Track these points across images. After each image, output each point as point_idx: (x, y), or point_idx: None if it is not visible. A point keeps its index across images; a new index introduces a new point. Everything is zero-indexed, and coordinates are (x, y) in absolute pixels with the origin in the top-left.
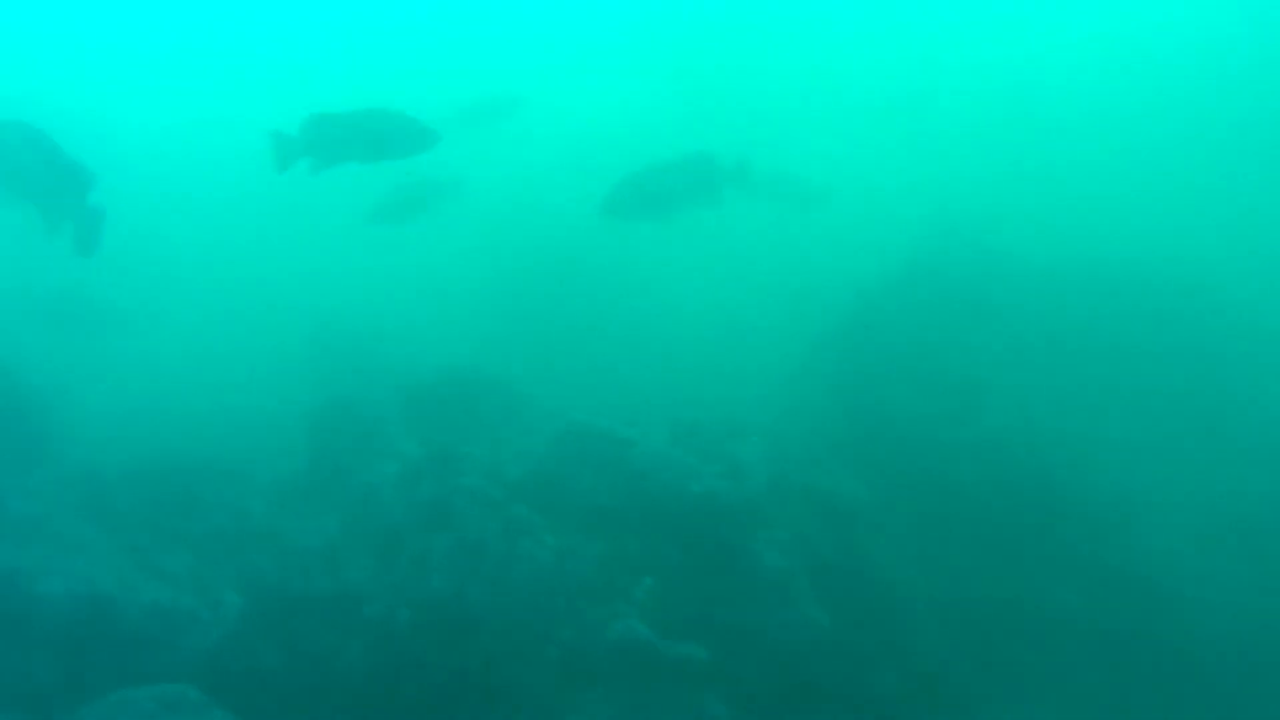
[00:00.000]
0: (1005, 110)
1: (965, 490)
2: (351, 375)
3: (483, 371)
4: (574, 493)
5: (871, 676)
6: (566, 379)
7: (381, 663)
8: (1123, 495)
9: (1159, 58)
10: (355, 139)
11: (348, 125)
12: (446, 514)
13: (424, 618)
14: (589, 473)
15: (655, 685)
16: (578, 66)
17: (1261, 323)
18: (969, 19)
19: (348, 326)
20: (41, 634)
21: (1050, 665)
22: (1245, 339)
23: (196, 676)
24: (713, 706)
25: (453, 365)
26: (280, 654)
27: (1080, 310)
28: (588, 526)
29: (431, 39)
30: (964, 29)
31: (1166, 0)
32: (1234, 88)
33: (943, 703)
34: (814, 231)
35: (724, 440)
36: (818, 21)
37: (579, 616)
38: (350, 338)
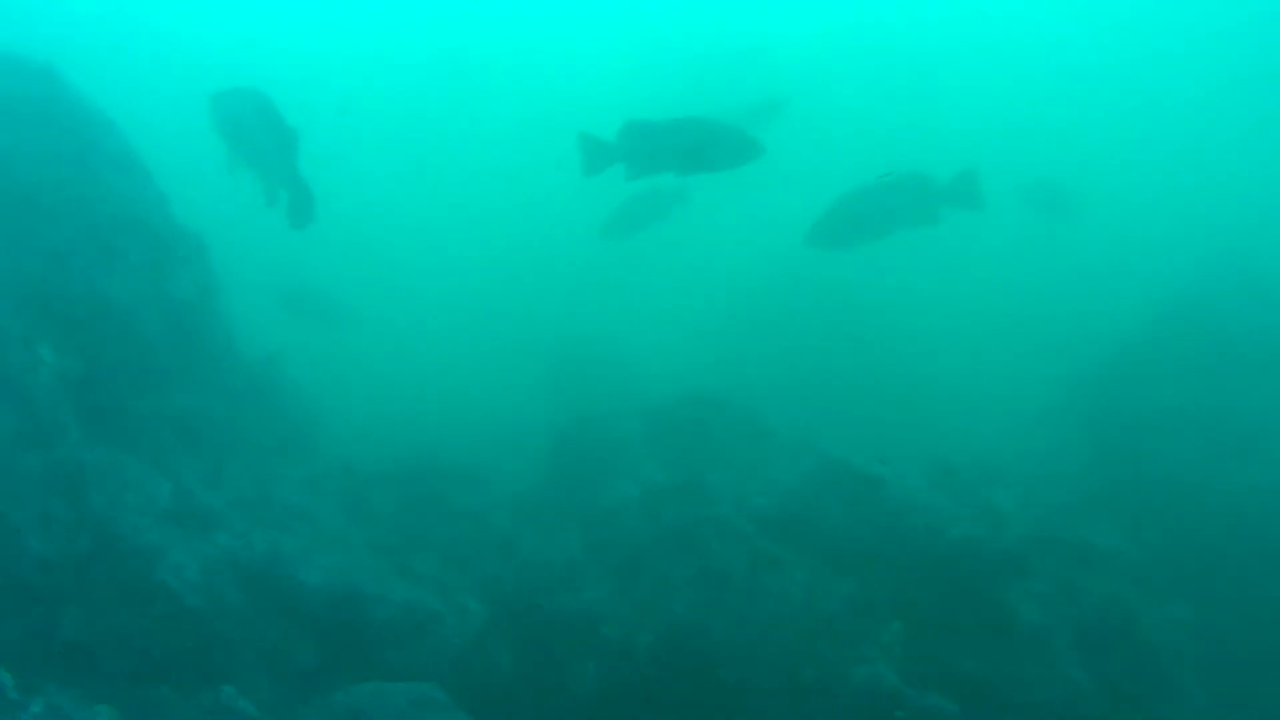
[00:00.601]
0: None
1: (1238, 547)
2: (593, 391)
3: (725, 395)
4: (824, 529)
5: None
6: (809, 405)
7: (617, 685)
8: None
9: None
10: (675, 148)
11: (668, 133)
12: (691, 541)
13: (663, 644)
14: (840, 509)
15: None
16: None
17: None
18: None
19: (588, 341)
20: (301, 618)
21: None
22: None
23: (440, 678)
24: None
25: (696, 388)
26: (520, 665)
27: None
28: (837, 564)
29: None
30: None
31: None
32: None
33: None
34: (1067, 253)
35: (980, 485)
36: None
37: (823, 657)
38: (590, 352)
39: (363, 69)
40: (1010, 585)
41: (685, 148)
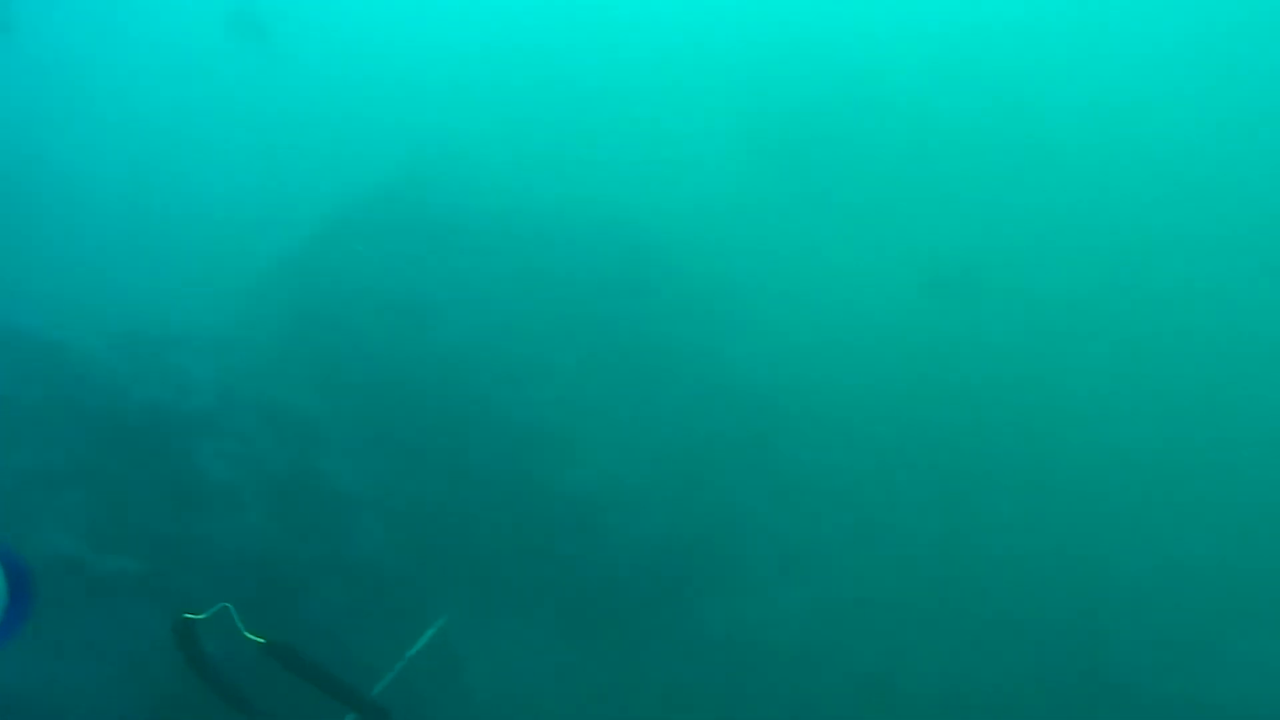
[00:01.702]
0: None
1: (416, 405)
2: None
3: None
4: None
5: (320, 584)
6: None
7: None
8: (565, 415)
9: None
10: None
11: None
12: None
13: None
14: (10, 379)
15: (86, 600)
16: None
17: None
18: None
19: None
20: None
21: (486, 564)
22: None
23: None
24: (149, 619)
25: None
26: None
27: (536, 245)
28: (7, 437)
29: None
30: None
31: None
32: None
33: (389, 609)
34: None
35: (168, 349)
36: None
37: None
38: None
39: None
40: (199, 446)
41: None
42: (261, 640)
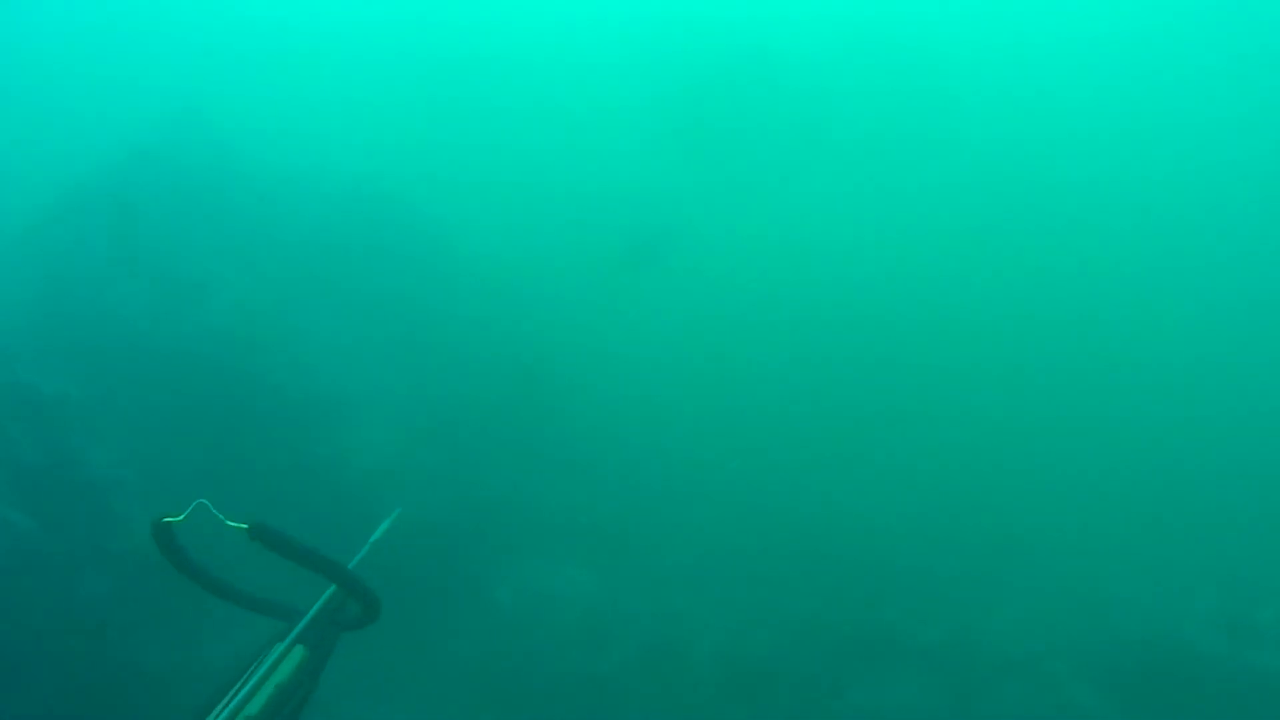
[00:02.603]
0: None
1: (185, 384)
2: None
3: None
4: None
5: (80, 578)
6: None
7: None
8: (343, 389)
9: None
10: None
11: None
12: None
13: None
14: None
15: None
16: None
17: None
18: None
19: None
20: None
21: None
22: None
23: None
24: None
25: None
26: None
27: (309, 218)
28: None
29: None
30: None
31: None
32: None
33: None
34: None
35: None
36: None
37: None
38: None
39: None
40: None
41: None
42: (244, 526)
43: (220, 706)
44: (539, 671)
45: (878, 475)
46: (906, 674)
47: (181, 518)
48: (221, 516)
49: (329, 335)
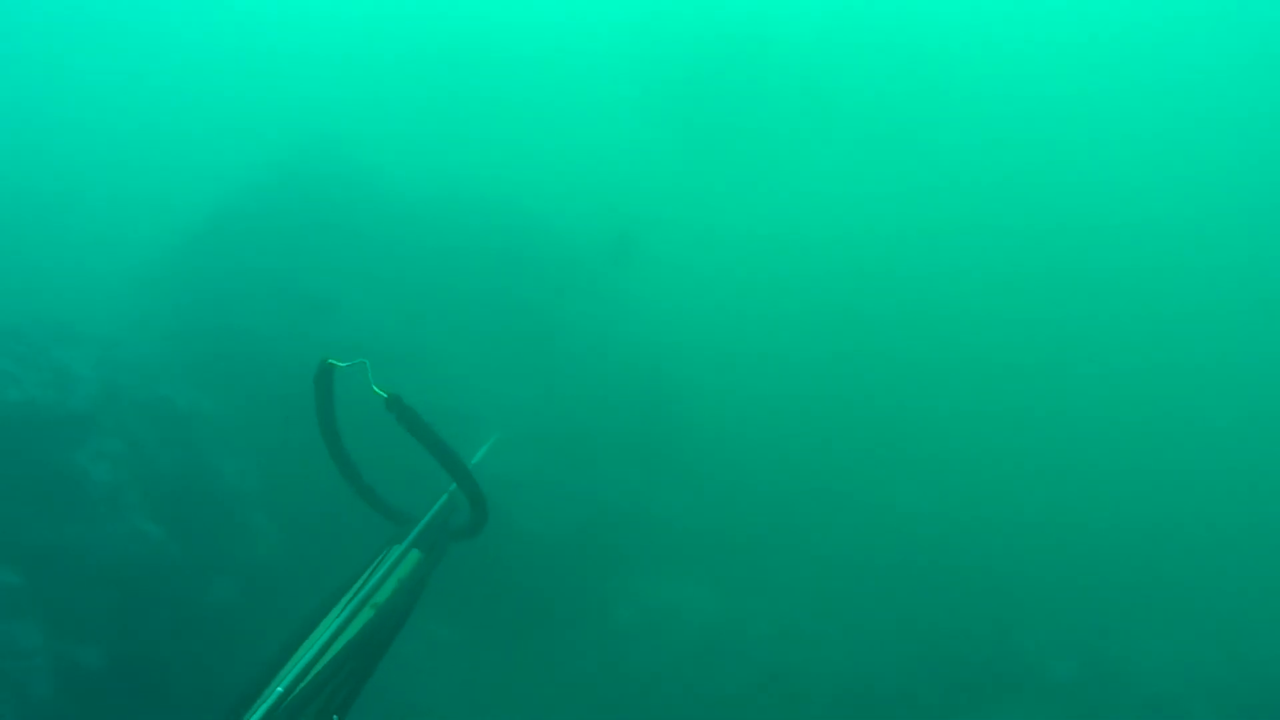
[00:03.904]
0: None
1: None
2: None
3: None
4: None
5: (209, 586)
6: None
7: None
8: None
9: None
10: None
11: None
12: None
13: None
14: None
15: None
16: None
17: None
18: None
19: None
20: None
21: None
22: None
23: None
24: (28, 635)
25: None
26: None
27: (433, 237)
28: None
29: None
30: None
31: None
32: None
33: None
34: None
35: (51, 345)
36: None
37: None
38: None
39: None
40: (80, 446)
41: None
42: (384, 394)
43: (351, 593)
44: (657, 691)
45: (1023, 493)
46: (1035, 709)
47: (345, 365)
48: (371, 380)
49: (455, 352)
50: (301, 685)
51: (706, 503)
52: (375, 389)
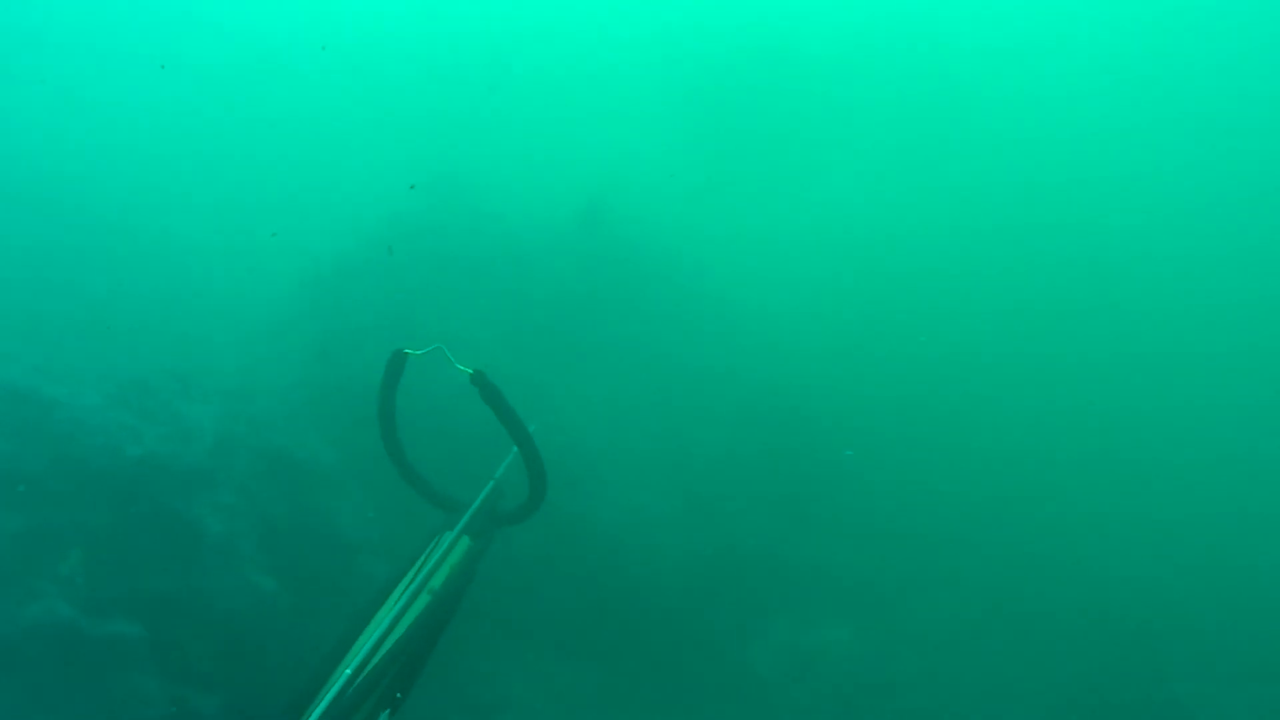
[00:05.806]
0: None
1: (431, 445)
2: None
3: None
4: None
5: (318, 632)
6: None
7: None
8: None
9: None
10: None
11: None
12: None
13: None
14: (3, 439)
15: (81, 667)
16: None
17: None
18: None
19: None
20: None
21: (511, 602)
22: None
23: None
24: (146, 683)
25: None
26: None
27: (556, 276)
28: (3, 500)
29: None
30: None
31: None
32: None
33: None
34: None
35: (175, 399)
36: None
37: None
38: None
39: None
40: (197, 498)
41: None
42: (469, 370)
43: (408, 580)
44: None
45: (1179, 541)
46: None
47: (420, 353)
48: (453, 359)
49: (578, 392)
50: (370, 667)
51: (847, 544)
52: (459, 366)
